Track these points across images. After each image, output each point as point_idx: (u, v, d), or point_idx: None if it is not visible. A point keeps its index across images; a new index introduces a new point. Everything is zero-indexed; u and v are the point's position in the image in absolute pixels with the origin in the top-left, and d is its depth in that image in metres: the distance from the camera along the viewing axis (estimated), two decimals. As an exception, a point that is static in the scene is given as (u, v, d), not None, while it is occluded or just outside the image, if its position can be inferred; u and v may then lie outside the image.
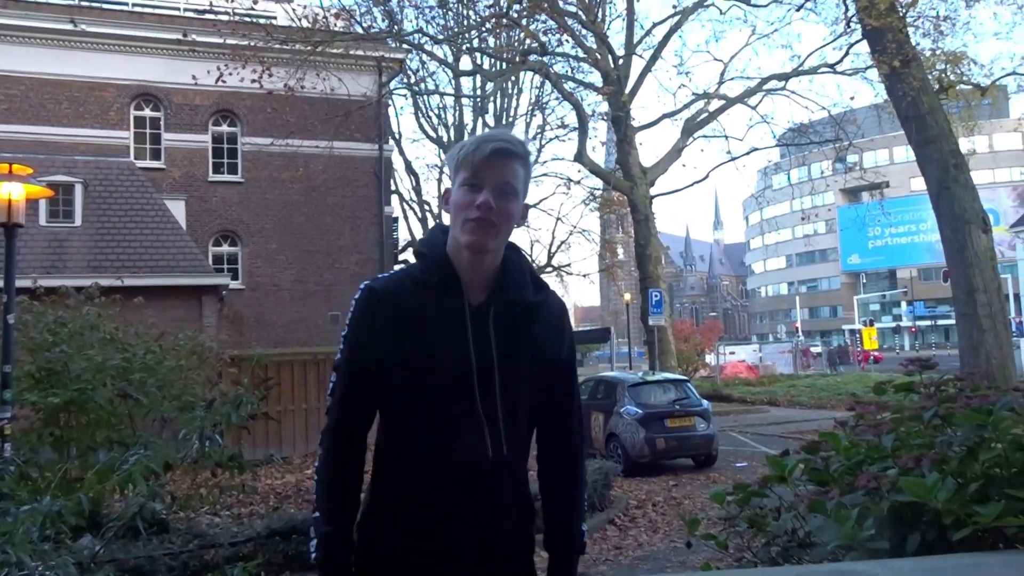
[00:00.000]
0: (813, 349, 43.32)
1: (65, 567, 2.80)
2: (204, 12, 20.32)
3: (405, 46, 21.09)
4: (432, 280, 1.71)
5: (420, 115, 30.65)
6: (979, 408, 2.06)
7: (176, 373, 7.34)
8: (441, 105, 30.42)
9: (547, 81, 23.63)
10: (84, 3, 21.94)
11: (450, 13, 22.01)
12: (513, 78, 26.73)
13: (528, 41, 20.15)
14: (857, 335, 46.48)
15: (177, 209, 19.39)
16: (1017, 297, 43.55)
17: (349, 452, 1.72)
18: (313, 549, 1.69)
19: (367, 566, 1.71)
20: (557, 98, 26.91)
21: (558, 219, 31.05)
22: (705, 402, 13.09)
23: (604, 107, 23.30)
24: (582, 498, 1.87)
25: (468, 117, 30.35)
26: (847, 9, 17.68)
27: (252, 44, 16.27)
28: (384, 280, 1.77)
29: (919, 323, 66.43)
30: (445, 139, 30.47)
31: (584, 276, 33.60)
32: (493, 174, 1.67)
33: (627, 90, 20.57)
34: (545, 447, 1.87)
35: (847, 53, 19.24)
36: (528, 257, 1.91)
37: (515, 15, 18.53)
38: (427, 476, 1.66)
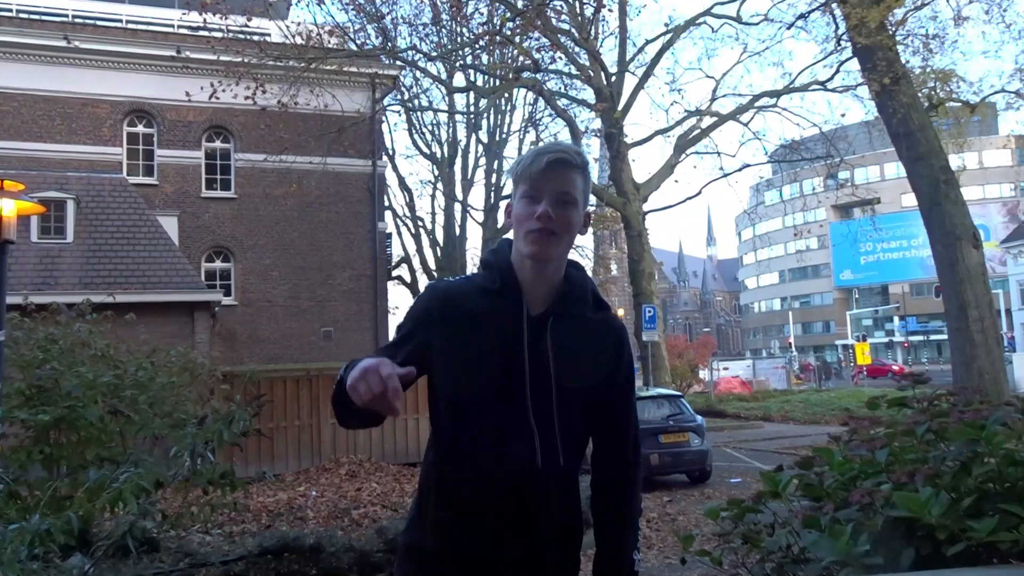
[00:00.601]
0: (814, 363, 43.40)
1: (54, 586, 2.76)
2: (198, 29, 20.38)
3: (399, 63, 21.18)
4: (494, 287, 1.74)
5: (414, 131, 30.77)
6: (972, 423, 2.06)
7: (168, 390, 7.31)
8: (435, 121, 30.55)
9: (540, 98, 23.74)
10: (78, 20, 22.01)
11: (444, 30, 22.13)
12: (506, 95, 26.86)
13: (521, 58, 20.28)
14: (850, 350, 46.57)
15: (170, 225, 19.37)
16: (1008, 312, 43.73)
17: None
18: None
19: (404, 572, 1.73)
20: (550, 115, 27.07)
21: (551, 235, 31.09)
22: (699, 418, 13.09)
23: (597, 124, 23.42)
24: (635, 525, 1.86)
25: (461, 133, 30.51)
26: (837, 27, 17.86)
27: (246, 61, 16.31)
28: (448, 283, 1.81)
29: (912, 338, 66.56)
30: (439, 155, 30.57)
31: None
32: (551, 185, 1.69)
33: (620, 107, 20.68)
34: (599, 470, 1.86)
35: (838, 71, 19.41)
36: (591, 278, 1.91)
37: (508, 33, 18.64)
38: (473, 482, 1.66)
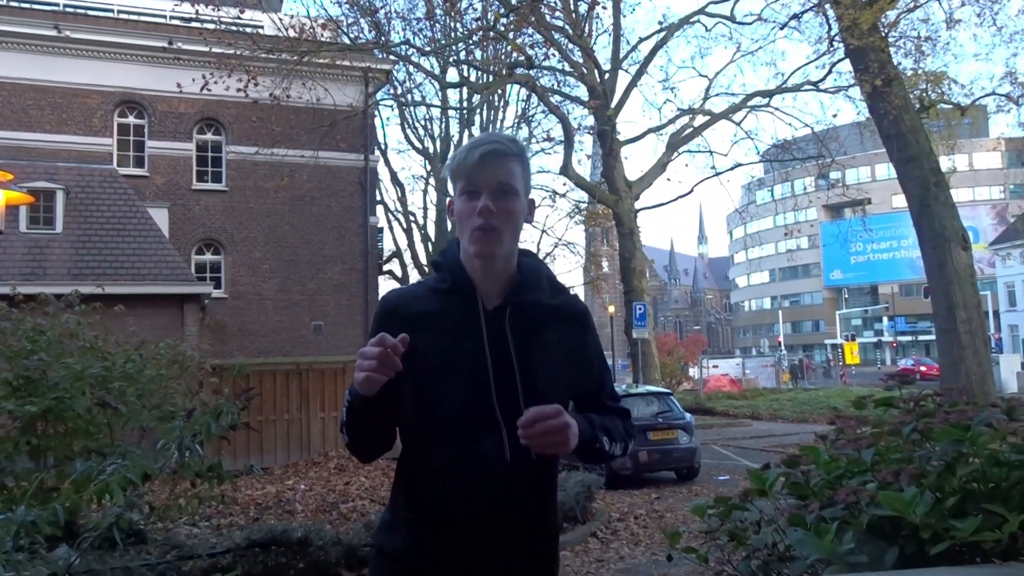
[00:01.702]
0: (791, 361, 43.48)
1: (39, 578, 2.76)
2: (190, 20, 20.26)
3: (392, 57, 21.12)
4: (446, 287, 1.73)
5: (406, 126, 30.71)
6: (957, 423, 2.08)
7: (156, 382, 7.27)
8: (427, 116, 30.48)
9: (533, 94, 23.74)
10: (68, 9, 21.84)
11: (437, 25, 22.07)
12: (500, 91, 26.82)
13: (515, 54, 20.24)
14: (839, 350, 46.78)
15: (160, 217, 19.28)
16: (996, 314, 44.01)
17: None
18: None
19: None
20: (543, 111, 27.06)
21: (543, 231, 31.12)
22: (688, 415, 13.13)
23: (590, 121, 23.45)
24: (615, 424, 1.81)
25: (454, 129, 30.43)
26: (830, 28, 17.92)
27: (238, 53, 16.24)
28: (399, 290, 1.83)
29: (900, 338, 66.93)
30: (431, 150, 30.50)
31: (569, 288, 33.60)
32: (488, 178, 1.67)
33: (613, 104, 20.70)
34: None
35: (830, 71, 19.49)
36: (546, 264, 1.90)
37: (502, 28, 18.62)
38: (444, 482, 1.63)
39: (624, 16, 21.32)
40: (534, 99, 26.25)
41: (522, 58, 19.82)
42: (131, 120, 20.58)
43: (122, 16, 21.88)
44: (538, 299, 1.76)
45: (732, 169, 23.13)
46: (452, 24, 22.01)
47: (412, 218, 32.09)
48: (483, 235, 1.66)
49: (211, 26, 17.48)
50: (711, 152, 23.10)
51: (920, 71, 17.35)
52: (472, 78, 25.04)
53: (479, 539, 1.63)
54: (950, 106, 17.59)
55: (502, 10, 18.14)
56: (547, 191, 30.31)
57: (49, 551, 3.16)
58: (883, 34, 15.66)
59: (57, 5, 22.44)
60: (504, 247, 1.70)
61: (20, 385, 6.51)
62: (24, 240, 15.93)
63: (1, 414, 6.37)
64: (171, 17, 21.62)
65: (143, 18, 21.98)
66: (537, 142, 29.74)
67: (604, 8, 21.15)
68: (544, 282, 1.80)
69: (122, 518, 3.44)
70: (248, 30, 18.30)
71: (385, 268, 31.28)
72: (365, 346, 1.54)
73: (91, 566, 4.78)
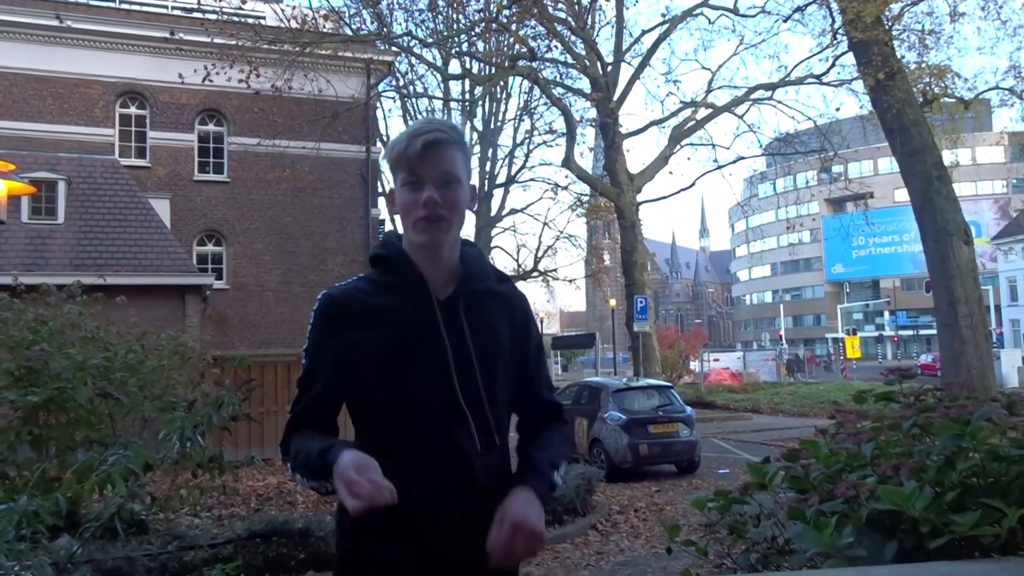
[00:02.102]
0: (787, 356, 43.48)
1: (42, 567, 2.77)
2: (192, 11, 20.21)
3: (394, 49, 21.08)
4: (395, 280, 1.70)
5: (408, 118, 30.62)
6: (957, 418, 2.08)
7: (158, 373, 7.28)
8: (429, 108, 30.41)
9: (536, 86, 23.67)
10: (71, -1, 21.79)
11: (440, 17, 22.02)
12: (502, 83, 26.77)
13: (517, 46, 20.19)
14: (840, 344, 46.78)
15: (162, 208, 19.27)
16: (998, 308, 43.95)
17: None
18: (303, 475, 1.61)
19: None
20: (546, 103, 27.04)
21: (545, 224, 31.14)
22: (688, 409, 13.15)
23: (592, 113, 23.37)
24: (560, 448, 1.80)
25: (456, 121, 30.36)
26: (834, 21, 17.86)
27: (240, 44, 16.20)
28: (342, 287, 1.73)
29: (901, 332, 66.97)
30: (433, 142, 30.38)
31: (570, 281, 33.63)
32: (431, 167, 1.64)
33: (615, 97, 20.65)
34: (526, 421, 1.86)
35: (833, 65, 19.43)
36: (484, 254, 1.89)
37: (505, 20, 18.57)
38: (418, 475, 1.59)
39: (627, 8, 21.25)
40: (536, 91, 26.21)
41: (524, 50, 19.77)
42: (133, 111, 20.56)
43: (124, 6, 21.85)
44: (488, 287, 1.75)
45: (734, 162, 23.00)
46: (454, 16, 21.95)
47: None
48: (429, 225, 1.64)
49: (213, 16, 17.45)
50: (713, 145, 23.12)
51: (924, 65, 17.31)
52: (474, 70, 24.99)
53: (452, 530, 1.61)
54: (953, 100, 17.54)
55: (504, 1, 18.08)
56: (549, 183, 30.33)
57: (51, 541, 3.18)
58: (887, 27, 15.61)
59: (59, -5, 22.38)
60: (451, 236, 1.69)
61: (22, 375, 6.52)
62: (26, 230, 15.93)
63: (3, 404, 6.38)
64: (173, 7, 21.59)
65: (145, 8, 21.94)
66: (539, 134, 29.74)
67: (607, 0, 21.09)
68: (490, 270, 1.80)
69: (124, 508, 3.45)
70: (250, 21, 18.27)
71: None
72: (350, 469, 1.45)
73: (93, 556, 4.81)
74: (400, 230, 1.80)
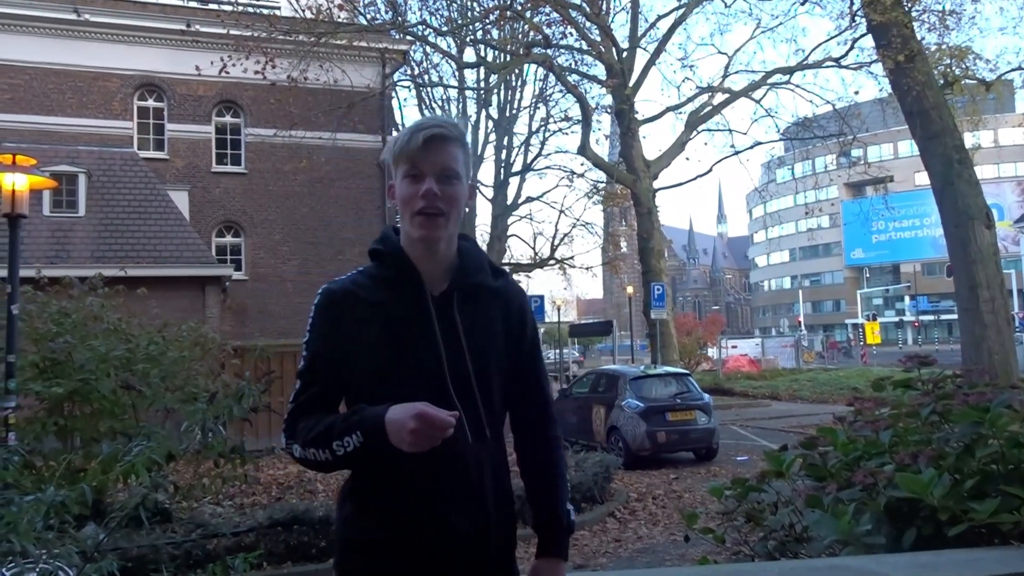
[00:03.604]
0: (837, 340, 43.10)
1: (69, 556, 2.82)
2: (208, 2, 20.30)
3: (409, 37, 21.06)
4: (391, 275, 1.73)
5: (424, 107, 30.59)
6: (976, 405, 2.07)
7: (179, 364, 7.37)
8: (445, 97, 30.37)
9: (551, 74, 23.57)
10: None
11: (454, 5, 21.97)
12: (517, 70, 26.67)
13: (532, 33, 20.11)
14: (860, 330, 46.42)
15: (180, 200, 19.40)
16: (1020, 293, 43.44)
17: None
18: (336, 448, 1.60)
19: (353, 568, 1.68)
20: (561, 91, 26.87)
21: (561, 212, 30.98)
22: (706, 396, 13.12)
23: (608, 100, 23.27)
24: (563, 477, 1.86)
25: (472, 109, 30.33)
26: (852, 3, 17.65)
27: (255, 35, 16.26)
28: (341, 281, 1.77)
29: (922, 318, 66.31)
30: (448, 131, 30.35)
31: (587, 269, 33.55)
32: (432, 161, 1.67)
33: (631, 83, 20.53)
34: (520, 433, 1.87)
35: (852, 47, 19.20)
36: (483, 249, 1.90)
37: (519, 7, 18.50)
38: (416, 467, 1.60)
39: (642, -7, 21.08)
40: (551, 79, 26.06)
41: (539, 37, 19.69)
42: (151, 103, 20.69)
43: (140, -1, 21.92)
44: (482, 281, 1.77)
45: (752, 148, 22.81)
46: (469, 3, 21.89)
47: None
48: (427, 219, 1.66)
49: (228, 8, 17.50)
50: (730, 131, 22.97)
51: (944, 46, 17.06)
52: (489, 58, 24.92)
53: (447, 521, 1.64)
54: (974, 81, 17.29)
55: (519, -11, 18.01)
56: (565, 171, 30.22)
57: (77, 530, 3.23)
58: (906, 8, 15.39)
59: (76, -11, 22.51)
60: (448, 231, 1.71)
61: (47, 367, 6.63)
62: (48, 224, 16.11)
63: (29, 395, 6.48)
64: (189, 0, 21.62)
65: (161, 1, 22.02)
66: (555, 122, 29.61)
67: (622, -15, 20.94)
68: (486, 265, 1.81)
69: (148, 498, 3.50)
70: (265, 12, 18.30)
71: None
72: (422, 410, 1.49)
73: (118, 544, 4.89)
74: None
